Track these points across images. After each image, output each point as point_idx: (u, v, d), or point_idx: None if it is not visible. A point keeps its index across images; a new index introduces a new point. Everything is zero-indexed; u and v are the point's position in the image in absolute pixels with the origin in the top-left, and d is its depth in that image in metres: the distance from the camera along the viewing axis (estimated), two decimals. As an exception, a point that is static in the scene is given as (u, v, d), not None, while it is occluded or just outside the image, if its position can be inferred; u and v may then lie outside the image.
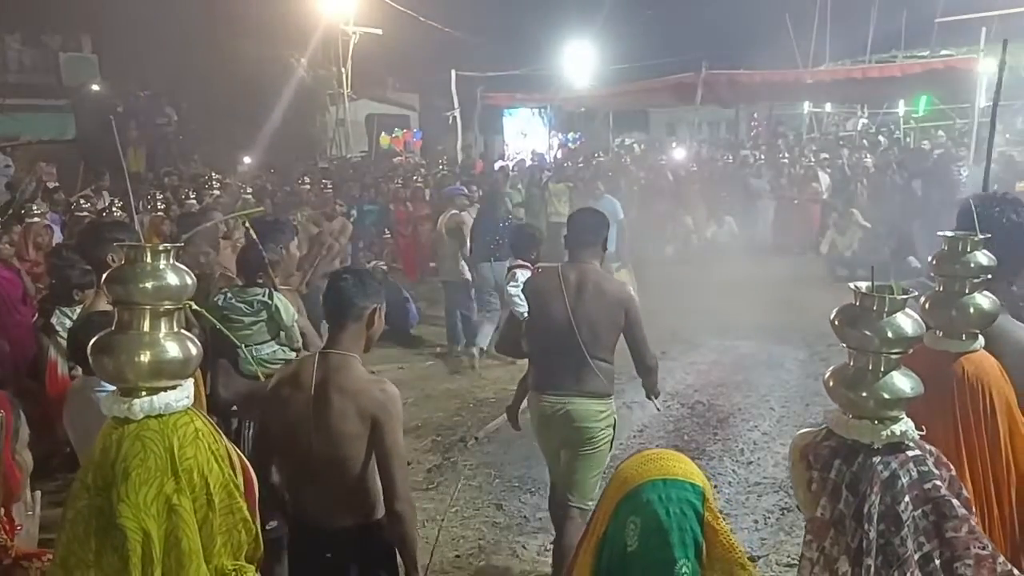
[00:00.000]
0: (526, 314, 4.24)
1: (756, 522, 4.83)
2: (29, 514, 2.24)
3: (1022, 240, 2.63)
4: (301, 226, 7.20)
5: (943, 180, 12.49)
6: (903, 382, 1.69)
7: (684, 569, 1.59)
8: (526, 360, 4.13)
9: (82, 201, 8.97)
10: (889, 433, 1.67)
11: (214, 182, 10.44)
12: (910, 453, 1.69)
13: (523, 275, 5.15)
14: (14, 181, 12.14)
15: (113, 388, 1.68)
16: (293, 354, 3.97)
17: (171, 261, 1.70)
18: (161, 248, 1.69)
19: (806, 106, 23.91)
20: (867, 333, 1.69)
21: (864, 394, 1.69)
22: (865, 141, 19.85)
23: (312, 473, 2.70)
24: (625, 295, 3.86)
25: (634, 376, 4.25)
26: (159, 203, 9.08)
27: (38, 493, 2.35)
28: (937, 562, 1.64)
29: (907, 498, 1.64)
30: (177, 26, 18.28)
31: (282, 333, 4.00)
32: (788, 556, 4.38)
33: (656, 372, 4.01)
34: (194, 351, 1.70)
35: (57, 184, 11.88)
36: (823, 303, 2.01)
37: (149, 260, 1.67)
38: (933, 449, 1.76)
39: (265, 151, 18.05)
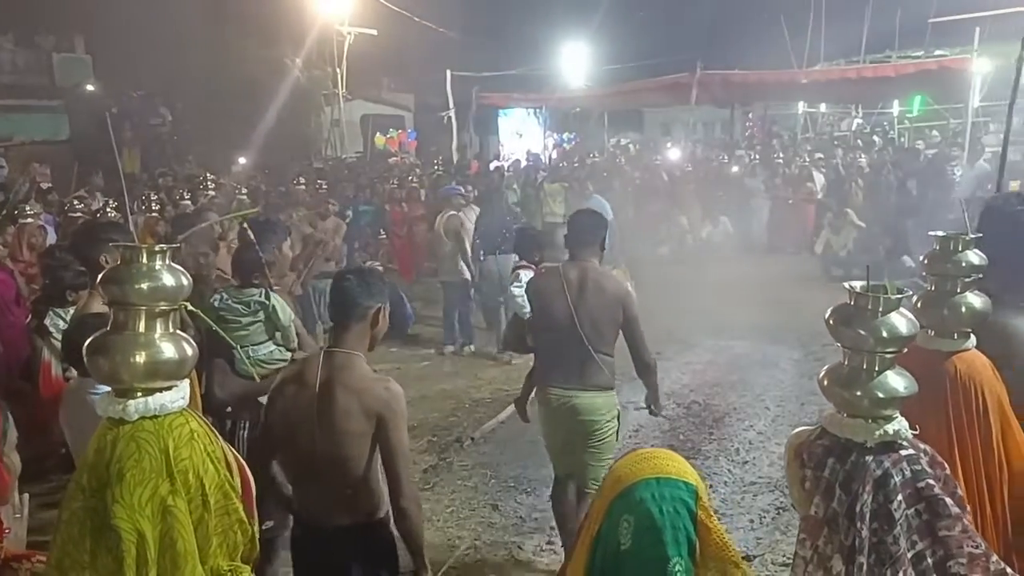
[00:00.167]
0: (529, 313, 4.37)
1: (752, 521, 4.84)
2: (17, 517, 2.23)
3: None
4: (294, 227, 7.19)
5: (937, 180, 12.54)
6: (897, 381, 1.70)
7: (677, 567, 1.60)
8: (520, 360, 4.17)
9: (75, 202, 8.94)
10: (882, 432, 1.68)
11: (209, 183, 10.41)
12: (903, 452, 1.69)
13: (526, 275, 5.30)
14: (7, 182, 12.09)
15: (107, 390, 1.68)
16: (289, 354, 3.97)
17: (167, 262, 1.70)
18: (157, 249, 1.69)
19: (801, 106, 23.99)
20: (862, 332, 1.70)
21: (858, 393, 1.69)
22: (860, 141, 19.89)
23: (315, 471, 2.70)
24: (623, 291, 3.96)
25: (632, 377, 4.27)
26: (153, 204, 9.06)
27: (26, 496, 2.35)
28: (930, 560, 1.65)
29: (900, 497, 1.65)
30: (171, 26, 18.23)
31: (278, 334, 3.99)
32: (783, 555, 4.39)
33: (655, 371, 4.09)
34: (190, 352, 1.71)
35: (50, 185, 11.83)
36: (818, 303, 2.02)
37: (145, 261, 1.67)
38: (928, 448, 1.76)
39: (260, 152, 18.03)
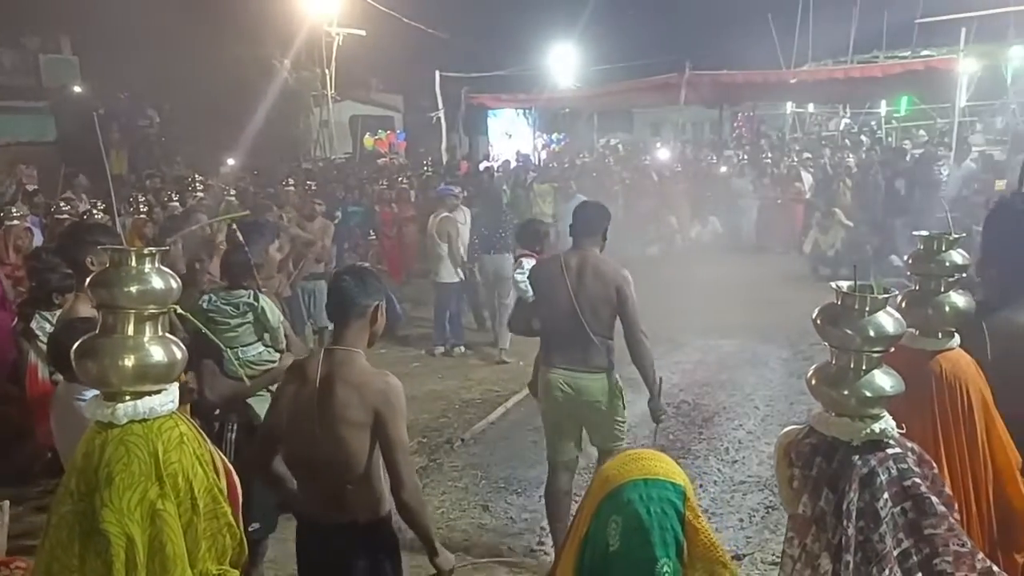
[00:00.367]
0: (532, 297, 4.58)
1: (741, 520, 4.85)
2: None
3: None
4: (282, 228, 7.16)
5: (925, 179, 12.60)
6: (884, 380, 1.71)
7: (665, 568, 1.60)
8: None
9: (62, 204, 8.90)
10: (869, 431, 1.69)
11: (197, 184, 10.37)
12: (890, 451, 1.71)
13: (528, 263, 5.58)
14: (-6, 184, 12.02)
15: (94, 394, 1.68)
16: (278, 355, 3.96)
17: (156, 265, 1.69)
18: (146, 252, 1.69)
19: (789, 106, 24.09)
20: (848, 332, 1.71)
21: (846, 392, 1.71)
22: (847, 141, 20.00)
23: (317, 467, 2.73)
24: (619, 275, 4.12)
25: (628, 378, 4.30)
26: (141, 205, 9.02)
27: (6, 503, 2.33)
28: (916, 558, 1.66)
29: (886, 495, 1.66)
30: (159, 27, 18.14)
31: (266, 335, 3.99)
32: (773, 554, 4.41)
33: (651, 358, 4.17)
34: (179, 355, 1.70)
35: (37, 187, 11.76)
36: (806, 302, 2.03)
37: (134, 264, 1.67)
38: (915, 447, 1.77)
39: (248, 153, 17.97)
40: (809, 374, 1.80)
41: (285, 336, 4.10)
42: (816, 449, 1.74)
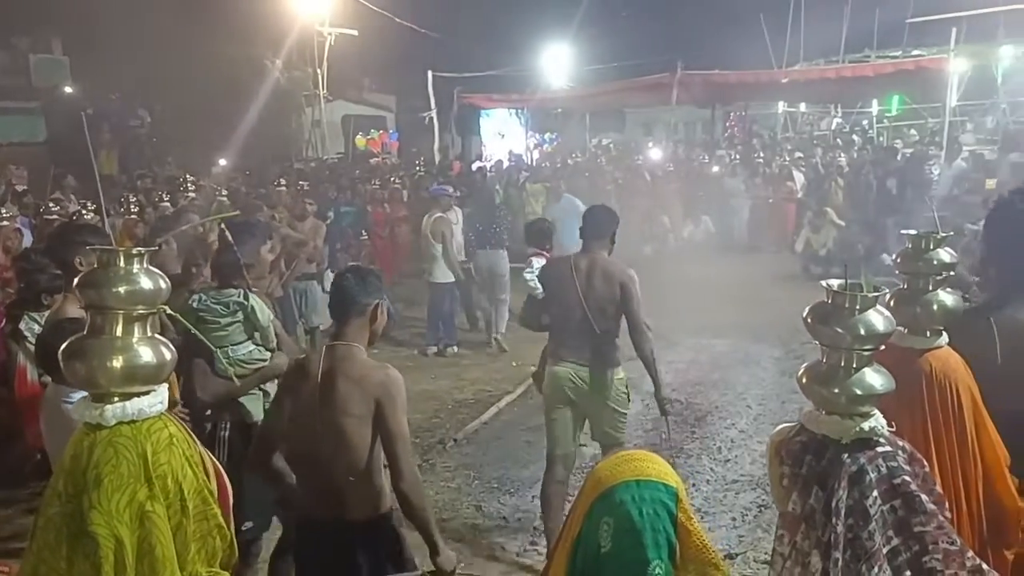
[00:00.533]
0: (542, 294, 4.82)
1: (734, 519, 4.86)
2: None
3: None
4: (274, 228, 7.14)
5: (916, 179, 12.65)
6: (874, 378, 1.71)
7: (657, 570, 1.59)
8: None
9: (51, 204, 8.85)
10: (858, 429, 1.69)
11: (189, 184, 10.33)
12: (880, 449, 1.70)
13: (538, 262, 5.87)
14: (-16, 184, 11.93)
15: (82, 396, 1.66)
16: (268, 354, 3.96)
17: (144, 265, 1.68)
18: (134, 252, 1.67)
19: (781, 106, 24.14)
20: (839, 330, 1.71)
21: (836, 390, 1.71)
22: (839, 140, 20.06)
23: (319, 463, 2.75)
24: (625, 273, 4.35)
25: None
26: (132, 206, 8.98)
27: None
28: (905, 556, 1.66)
29: (875, 493, 1.66)
30: (149, 27, 18.05)
31: (257, 334, 3.98)
32: (765, 553, 4.41)
33: (652, 350, 4.35)
34: (168, 356, 1.69)
35: (26, 187, 11.69)
36: (798, 301, 2.03)
37: (122, 264, 1.66)
38: (906, 445, 1.78)
39: (240, 153, 17.91)
40: (800, 372, 1.80)
41: (276, 335, 4.09)
42: (806, 447, 1.74)
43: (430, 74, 19.65)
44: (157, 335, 1.72)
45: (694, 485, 5.25)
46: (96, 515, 1.55)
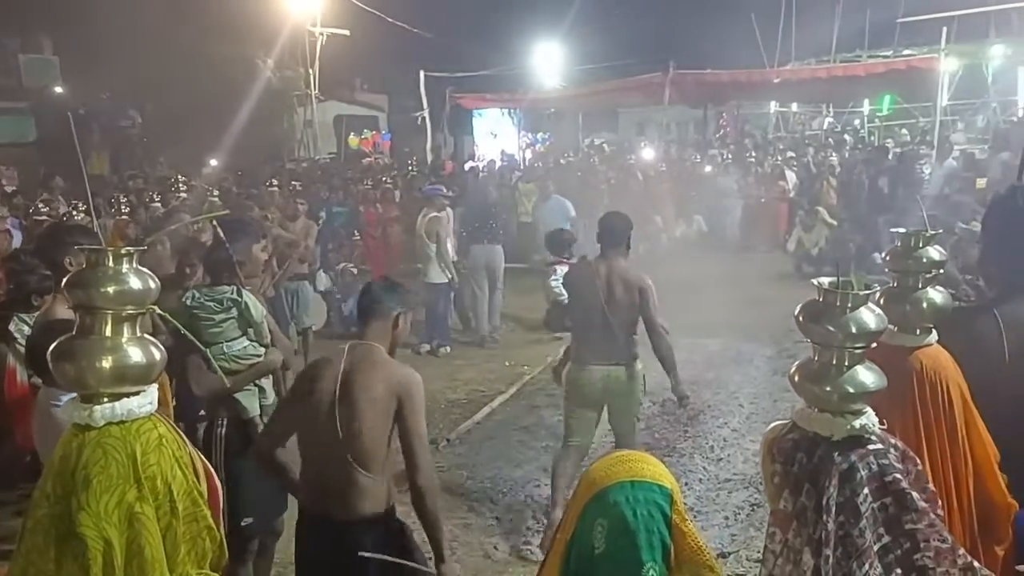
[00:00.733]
0: (566, 300, 5.17)
1: (726, 518, 4.87)
2: None
3: None
4: (265, 229, 7.12)
5: (907, 178, 12.69)
6: (866, 376, 1.71)
7: (651, 571, 1.59)
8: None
9: (40, 205, 8.81)
10: (849, 427, 1.68)
11: (180, 185, 10.29)
12: (871, 447, 1.70)
13: (561, 269, 6.28)
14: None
15: (70, 398, 1.65)
16: (263, 350, 3.95)
17: (133, 265, 1.67)
18: (123, 252, 1.66)
19: (773, 106, 24.18)
20: (830, 328, 1.71)
21: (828, 388, 1.71)
22: (831, 140, 20.11)
23: (333, 455, 2.78)
24: (642, 280, 4.71)
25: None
26: (123, 207, 8.94)
27: None
28: (897, 553, 1.66)
29: (866, 490, 1.65)
30: (140, 27, 18.00)
31: (250, 330, 3.97)
32: (758, 552, 4.42)
33: (669, 347, 4.75)
34: (157, 356, 1.68)
35: (15, 188, 11.64)
36: (790, 300, 2.03)
37: (111, 264, 1.64)
38: (898, 443, 1.77)
39: (232, 153, 17.85)
40: (792, 371, 1.80)
41: (270, 331, 4.10)
42: (798, 445, 1.74)
43: (422, 74, 19.63)
44: (147, 335, 1.71)
45: (687, 484, 5.25)
46: (84, 516, 1.54)
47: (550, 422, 6.55)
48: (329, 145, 23.86)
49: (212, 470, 1.79)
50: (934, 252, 2.27)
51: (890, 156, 14.27)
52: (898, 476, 1.67)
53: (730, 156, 17.82)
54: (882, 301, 2.24)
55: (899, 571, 1.65)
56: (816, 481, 1.67)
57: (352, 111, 26.74)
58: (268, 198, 9.76)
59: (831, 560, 1.61)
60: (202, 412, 3.90)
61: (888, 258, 2.32)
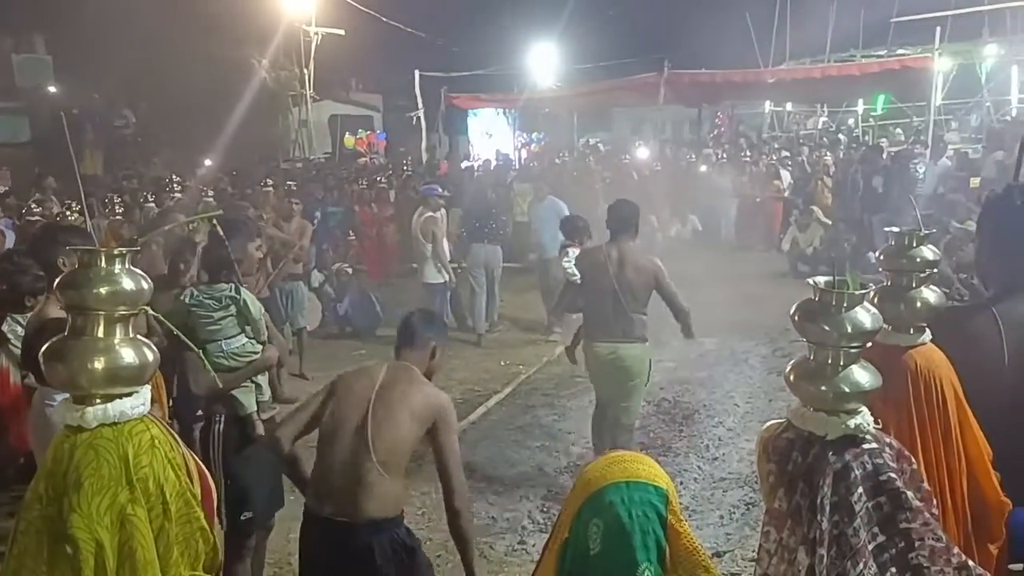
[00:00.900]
0: (579, 281, 5.45)
1: (722, 517, 4.87)
2: None
3: None
4: (260, 229, 7.10)
5: (902, 177, 12.72)
6: (862, 375, 1.71)
7: (647, 572, 1.59)
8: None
9: (33, 206, 8.78)
10: (844, 426, 1.68)
11: (175, 185, 10.26)
12: (865, 446, 1.70)
13: (574, 252, 6.48)
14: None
15: (63, 398, 1.64)
16: (260, 347, 3.95)
17: (126, 265, 1.66)
18: (116, 252, 1.65)
19: (767, 105, 24.20)
20: (826, 328, 1.71)
21: (823, 387, 1.70)
22: (825, 139, 20.14)
23: (355, 457, 2.82)
24: (654, 264, 5.01)
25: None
26: (117, 207, 8.91)
27: None
28: (891, 552, 1.65)
29: (860, 489, 1.65)
30: (135, 27, 17.91)
31: (248, 327, 3.97)
32: (753, 551, 4.41)
33: (689, 314, 5.07)
34: (150, 357, 1.67)
35: (9, 188, 11.59)
36: (785, 299, 2.03)
37: (103, 264, 1.64)
38: (893, 442, 1.77)
39: (227, 153, 17.80)
40: (787, 370, 1.80)
41: (267, 328, 4.10)
42: (793, 444, 1.74)
43: (417, 73, 19.60)
44: (140, 336, 1.70)
45: (682, 483, 5.25)
46: (76, 518, 1.53)
47: (545, 422, 6.55)
48: (324, 145, 23.80)
49: (206, 471, 1.78)
50: (928, 251, 2.27)
51: (884, 155, 14.28)
52: (892, 475, 1.67)
53: (725, 156, 17.83)
54: (876, 300, 2.24)
55: (894, 570, 1.65)
56: (811, 480, 1.67)
57: (347, 111, 26.69)
58: (263, 198, 9.73)
59: (825, 559, 1.61)
60: (199, 412, 3.90)
61: (882, 257, 2.33)
